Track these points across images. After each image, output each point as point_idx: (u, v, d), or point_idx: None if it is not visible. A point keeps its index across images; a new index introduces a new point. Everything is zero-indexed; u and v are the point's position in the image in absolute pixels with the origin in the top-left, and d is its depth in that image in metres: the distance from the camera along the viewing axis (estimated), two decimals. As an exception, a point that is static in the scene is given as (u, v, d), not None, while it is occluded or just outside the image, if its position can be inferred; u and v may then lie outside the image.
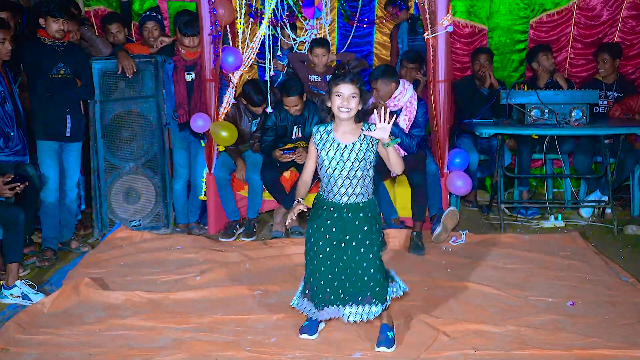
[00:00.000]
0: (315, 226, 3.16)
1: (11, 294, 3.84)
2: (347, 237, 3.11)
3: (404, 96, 4.71)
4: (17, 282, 3.86)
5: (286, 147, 5.12)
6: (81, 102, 4.81)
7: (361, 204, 3.14)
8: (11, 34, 4.22)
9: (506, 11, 6.34)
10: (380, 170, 4.71)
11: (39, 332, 3.38)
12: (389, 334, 3.19)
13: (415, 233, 4.68)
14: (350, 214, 3.12)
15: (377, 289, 3.10)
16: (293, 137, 5.18)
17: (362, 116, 3.10)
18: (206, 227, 5.26)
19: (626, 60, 6.16)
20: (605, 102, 5.79)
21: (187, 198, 5.31)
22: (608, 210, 5.44)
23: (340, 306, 3.13)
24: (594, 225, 5.35)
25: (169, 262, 4.48)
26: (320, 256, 3.13)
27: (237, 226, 5.15)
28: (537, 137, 5.36)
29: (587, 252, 4.56)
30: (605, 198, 5.40)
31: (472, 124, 5.25)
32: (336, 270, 3.12)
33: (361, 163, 3.09)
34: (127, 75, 4.98)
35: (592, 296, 3.77)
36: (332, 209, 3.14)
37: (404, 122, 4.71)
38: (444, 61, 4.83)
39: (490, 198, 5.69)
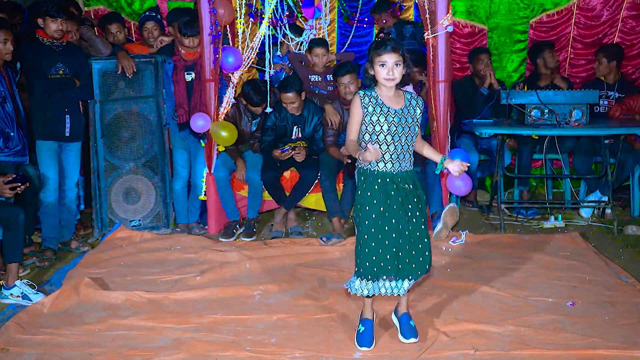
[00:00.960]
0: (370, 201, 3.06)
1: (11, 294, 3.84)
2: (405, 204, 3.06)
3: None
4: (17, 282, 3.86)
5: (285, 146, 5.12)
6: (80, 102, 4.80)
7: (409, 172, 3.12)
8: (13, 35, 4.22)
9: (506, 11, 6.34)
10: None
11: (39, 332, 3.38)
12: (412, 322, 3.22)
13: (415, 233, 4.67)
14: (403, 182, 3.08)
15: (429, 259, 3.16)
16: (293, 137, 5.19)
17: (405, 81, 3.07)
18: (206, 227, 5.26)
19: (626, 60, 6.16)
20: (606, 102, 5.79)
21: (187, 198, 5.31)
22: (608, 211, 5.44)
23: (400, 280, 3.09)
24: (594, 225, 5.35)
25: (169, 262, 4.48)
26: (386, 228, 3.04)
27: (237, 226, 5.15)
28: (537, 137, 5.36)
29: (587, 253, 4.56)
30: (605, 198, 5.40)
31: (472, 124, 5.25)
32: (400, 241, 3.06)
33: (411, 128, 3.07)
34: (127, 75, 4.98)
35: (592, 296, 3.77)
36: (387, 179, 3.07)
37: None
38: (444, 61, 4.83)
39: (490, 198, 5.69)
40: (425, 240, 3.14)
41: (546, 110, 5.10)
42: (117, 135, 5.10)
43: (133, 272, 4.30)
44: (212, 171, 5.13)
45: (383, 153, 3.04)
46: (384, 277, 3.07)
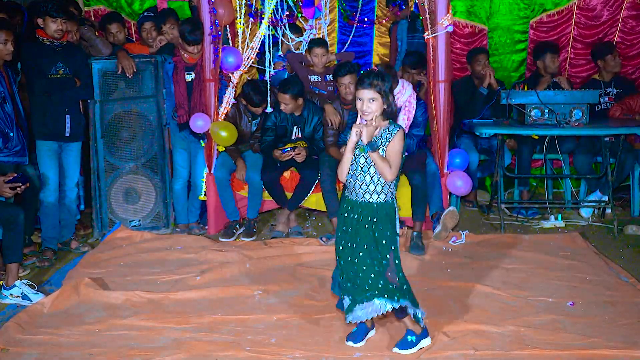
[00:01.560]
0: (339, 224, 3.20)
1: (11, 294, 3.84)
2: (359, 238, 3.10)
3: (403, 95, 4.72)
4: (17, 282, 3.86)
5: (285, 147, 5.12)
6: (80, 102, 4.80)
7: (375, 205, 3.12)
8: (13, 35, 4.22)
9: (506, 11, 6.34)
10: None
11: (39, 332, 3.38)
12: (411, 338, 3.16)
13: (415, 233, 4.68)
14: (363, 213, 3.11)
15: (399, 293, 3.09)
16: (293, 137, 5.18)
17: (390, 114, 3.11)
18: (206, 227, 5.26)
19: (626, 60, 6.16)
20: (606, 99, 5.79)
21: (187, 198, 5.31)
22: (608, 211, 5.44)
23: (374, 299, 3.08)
24: (594, 225, 5.35)
25: (169, 262, 4.48)
26: (344, 252, 3.14)
27: (237, 226, 5.15)
28: (537, 137, 5.36)
29: (587, 252, 4.56)
30: (606, 198, 5.40)
31: (472, 124, 5.25)
32: (349, 267, 3.11)
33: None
34: (127, 75, 4.98)
35: (592, 296, 3.77)
36: (350, 206, 3.15)
37: (403, 121, 4.71)
38: (444, 61, 4.82)
39: (490, 198, 5.69)
40: (383, 280, 3.08)
41: (546, 110, 5.10)
42: (117, 135, 5.10)
43: (133, 272, 4.30)
44: (212, 171, 5.13)
45: (353, 183, 3.11)
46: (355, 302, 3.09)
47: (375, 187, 3.11)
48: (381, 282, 3.07)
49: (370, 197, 3.12)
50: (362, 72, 3.24)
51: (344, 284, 3.15)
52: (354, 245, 3.10)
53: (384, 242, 3.10)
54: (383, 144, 3.08)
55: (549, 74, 5.70)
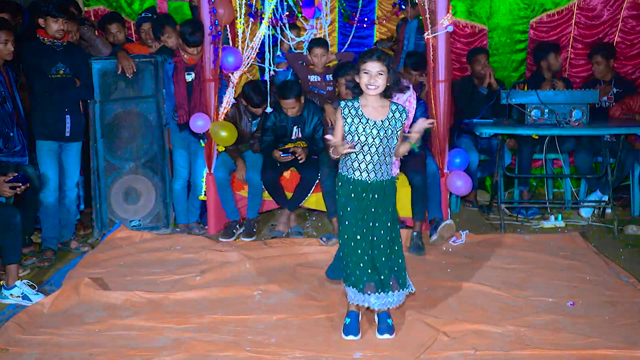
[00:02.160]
0: (343, 206, 3.19)
1: (11, 294, 3.84)
2: (377, 215, 3.16)
3: (403, 95, 4.71)
4: (17, 283, 3.86)
5: (285, 147, 5.12)
6: (80, 102, 4.80)
7: (385, 182, 3.19)
8: (14, 35, 4.22)
9: (506, 11, 6.34)
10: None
11: (39, 332, 3.38)
12: (389, 321, 3.25)
13: (415, 233, 4.68)
14: (377, 192, 3.17)
15: (403, 274, 3.22)
16: (293, 137, 5.18)
17: (390, 93, 3.15)
18: (206, 227, 5.26)
19: (626, 60, 6.17)
20: (605, 98, 5.80)
21: (187, 198, 5.31)
22: (608, 210, 5.44)
23: (387, 291, 3.17)
24: (594, 225, 5.35)
25: (169, 262, 4.48)
26: (358, 237, 3.16)
27: (237, 226, 5.15)
28: (537, 137, 5.36)
29: (587, 252, 4.56)
30: (606, 198, 5.40)
31: (472, 124, 5.25)
32: (375, 251, 3.17)
33: (390, 140, 3.13)
34: (127, 75, 4.98)
35: (592, 296, 3.77)
36: (359, 188, 3.16)
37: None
38: (444, 61, 4.82)
39: (490, 198, 5.69)
40: (399, 254, 3.23)
41: (546, 110, 5.10)
42: (117, 135, 5.10)
43: (133, 272, 4.30)
44: (212, 171, 5.13)
45: (359, 163, 3.14)
46: (369, 290, 3.16)
47: (387, 166, 3.20)
48: (402, 272, 3.20)
49: (384, 177, 3.19)
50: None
51: (367, 272, 3.15)
52: (376, 225, 3.16)
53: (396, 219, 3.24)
54: (396, 128, 3.14)
55: (552, 72, 5.70)
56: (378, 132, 3.11)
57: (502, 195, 5.52)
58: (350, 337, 3.23)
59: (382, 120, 3.12)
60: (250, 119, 5.24)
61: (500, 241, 4.84)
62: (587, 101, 5.12)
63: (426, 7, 4.76)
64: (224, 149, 5.15)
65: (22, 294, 3.83)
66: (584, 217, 5.52)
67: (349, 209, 3.17)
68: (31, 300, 3.78)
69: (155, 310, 3.66)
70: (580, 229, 5.23)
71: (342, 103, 3.16)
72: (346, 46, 6.58)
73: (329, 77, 5.52)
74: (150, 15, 5.57)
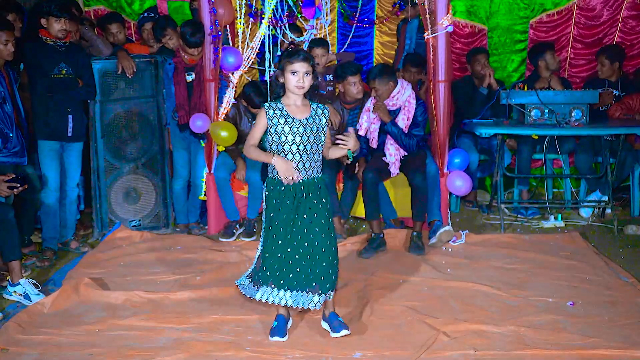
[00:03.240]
0: (274, 207, 3.19)
1: (14, 291, 3.87)
2: (305, 215, 3.16)
3: (403, 95, 4.72)
4: (22, 281, 3.87)
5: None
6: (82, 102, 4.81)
7: (315, 180, 3.21)
8: (14, 36, 4.22)
9: (506, 11, 6.34)
10: (381, 170, 4.75)
11: (39, 332, 3.38)
12: (339, 318, 3.27)
13: (415, 233, 4.68)
14: (307, 191, 3.17)
15: (332, 276, 3.18)
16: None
17: (312, 92, 3.21)
18: (206, 227, 5.26)
19: (626, 60, 6.16)
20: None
21: (187, 198, 5.31)
22: (608, 210, 5.44)
23: (300, 291, 3.16)
24: (594, 225, 5.35)
25: (169, 262, 4.48)
26: (279, 238, 3.16)
27: (237, 226, 5.15)
28: (537, 137, 5.36)
29: (587, 252, 4.56)
30: (605, 198, 5.40)
31: (472, 124, 5.25)
32: (295, 252, 3.15)
33: (316, 137, 3.17)
34: (127, 75, 4.98)
35: (592, 296, 3.77)
36: (290, 188, 3.17)
37: (403, 121, 4.72)
38: (444, 61, 4.82)
39: (490, 198, 5.69)
40: (325, 251, 3.17)
41: (546, 110, 5.10)
42: (117, 135, 5.10)
43: (133, 272, 4.29)
44: (212, 171, 5.13)
45: (296, 164, 3.15)
46: (286, 287, 3.15)
47: (315, 163, 3.21)
48: (328, 275, 3.16)
49: (314, 174, 3.20)
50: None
51: (289, 274, 3.15)
52: (305, 224, 3.15)
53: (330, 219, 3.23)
54: (320, 125, 3.18)
55: (551, 71, 5.70)
56: (305, 130, 3.13)
57: (502, 195, 5.52)
58: (276, 339, 3.23)
59: (306, 119, 3.16)
60: (250, 120, 5.24)
61: (500, 241, 4.84)
62: (587, 101, 5.12)
63: (426, 7, 4.76)
64: (224, 149, 5.15)
65: (24, 292, 3.84)
66: (584, 217, 5.52)
67: (280, 209, 3.16)
68: (31, 300, 3.78)
69: (155, 310, 3.66)
70: (580, 229, 5.23)
71: (266, 105, 3.19)
72: (346, 46, 6.58)
73: (329, 77, 5.52)
74: (152, 15, 5.57)
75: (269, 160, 3.17)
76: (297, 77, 3.10)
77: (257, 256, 3.28)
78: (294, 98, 3.18)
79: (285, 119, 3.14)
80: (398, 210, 5.06)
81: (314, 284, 3.15)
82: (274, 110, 3.16)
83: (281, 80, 3.16)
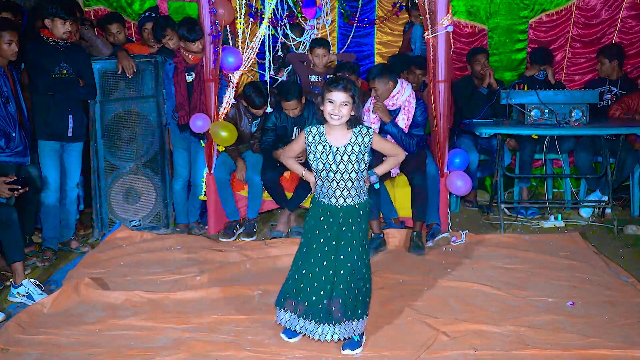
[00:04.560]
0: (311, 230, 3.18)
1: (18, 292, 3.87)
2: (342, 240, 3.11)
3: (402, 95, 4.72)
4: (24, 281, 3.88)
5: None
6: (83, 103, 4.80)
7: (356, 206, 3.16)
8: (18, 35, 4.22)
9: (506, 11, 6.34)
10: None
11: (39, 332, 3.38)
12: (355, 337, 3.15)
13: (415, 233, 4.68)
14: (345, 217, 3.13)
15: (360, 304, 3.12)
16: (293, 137, 5.18)
17: (355, 121, 3.13)
18: (206, 227, 5.26)
19: (625, 59, 6.16)
20: (608, 96, 5.80)
21: (187, 198, 5.31)
22: (608, 210, 5.44)
23: (320, 324, 3.09)
24: (594, 225, 5.35)
25: (169, 262, 4.48)
26: (312, 260, 3.12)
27: (237, 226, 5.15)
28: (537, 137, 5.36)
29: (587, 252, 4.56)
30: (605, 198, 5.40)
31: (472, 124, 5.25)
32: (325, 277, 3.09)
33: (354, 164, 3.11)
34: (127, 75, 4.98)
35: (592, 296, 3.77)
36: (328, 212, 3.15)
37: (403, 121, 4.72)
38: (444, 61, 4.82)
39: (490, 198, 5.69)
40: (353, 285, 3.09)
41: (546, 110, 5.10)
42: (117, 135, 5.10)
43: (133, 272, 4.30)
44: (212, 171, 5.13)
45: (327, 189, 3.15)
46: (304, 316, 3.11)
47: (356, 190, 3.16)
48: (359, 302, 3.11)
49: (352, 202, 3.16)
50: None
51: (308, 300, 3.10)
52: (340, 250, 3.11)
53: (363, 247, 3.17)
54: (361, 152, 3.11)
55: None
56: (342, 158, 3.09)
57: (502, 195, 5.52)
58: (283, 337, 3.25)
59: (344, 146, 3.10)
60: (250, 120, 5.24)
61: (500, 241, 4.84)
62: (587, 101, 5.12)
63: (426, 7, 4.76)
64: (224, 149, 5.15)
65: (27, 292, 3.84)
66: (584, 217, 5.52)
67: (317, 231, 3.14)
68: (35, 301, 3.78)
69: (155, 310, 3.66)
70: (580, 229, 5.23)
71: (307, 129, 3.18)
72: (346, 46, 6.58)
73: (330, 77, 5.51)
74: (153, 15, 5.56)
75: (300, 174, 3.34)
76: (333, 106, 3.06)
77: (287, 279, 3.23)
78: (332, 126, 3.13)
79: (323, 145, 3.12)
80: (398, 210, 5.06)
81: (339, 313, 3.06)
82: (313, 137, 3.15)
83: (321, 107, 3.13)
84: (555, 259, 4.42)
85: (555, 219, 5.36)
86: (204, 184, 5.17)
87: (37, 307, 3.66)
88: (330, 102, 3.07)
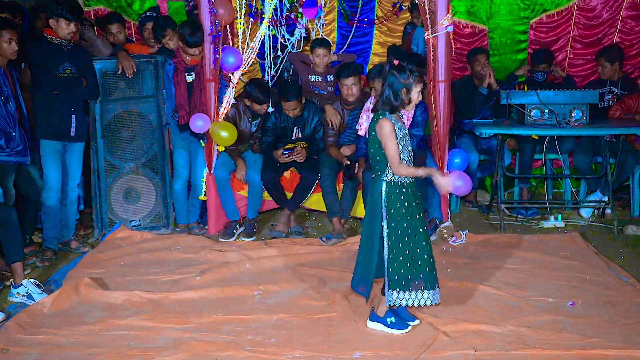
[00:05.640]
0: (407, 210, 3.26)
1: (18, 292, 3.87)
2: (421, 212, 3.34)
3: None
4: (24, 281, 3.88)
5: (286, 147, 5.12)
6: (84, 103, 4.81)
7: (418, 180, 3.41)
8: (18, 35, 4.22)
9: (506, 11, 6.34)
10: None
11: (39, 332, 3.39)
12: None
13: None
14: (416, 191, 3.35)
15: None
16: (293, 137, 5.18)
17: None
18: (206, 227, 5.26)
19: (626, 59, 6.17)
20: (609, 97, 5.80)
21: (187, 198, 5.31)
22: (608, 211, 5.43)
23: (435, 287, 3.31)
24: (594, 225, 5.35)
25: (169, 262, 4.48)
26: (416, 237, 3.26)
27: (237, 226, 5.15)
28: (537, 137, 5.36)
29: (587, 253, 4.56)
30: (605, 198, 5.40)
31: (472, 124, 5.25)
32: (425, 245, 3.30)
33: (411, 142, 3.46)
34: (127, 75, 4.98)
35: (592, 296, 3.77)
36: (410, 190, 3.30)
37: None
38: (444, 61, 4.82)
39: (490, 198, 5.69)
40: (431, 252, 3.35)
41: (546, 110, 5.10)
42: (117, 135, 5.10)
43: (133, 272, 4.30)
44: (212, 171, 5.13)
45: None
46: (417, 289, 3.24)
47: None
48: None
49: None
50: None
51: (421, 272, 3.25)
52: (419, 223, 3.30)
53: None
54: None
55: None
56: (409, 137, 3.36)
57: (502, 195, 5.52)
58: (410, 326, 3.35)
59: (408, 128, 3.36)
60: (250, 120, 5.24)
61: (500, 241, 4.84)
62: (587, 101, 5.12)
63: (426, 7, 4.76)
64: (224, 149, 5.15)
65: (27, 292, 3.84)
66: (584, 217, 5.52)
67: (403, 210, 3.25)
68: (35, 301, 3.78)
69: (155, 310, 3.66)
70: (580, 229, 5.22)
71: (391, 117, 3.24)
72: (345, 46, 6.58)
73: (330, 77, 5.52)
74: (154, 14, 5.56)
75: (423, 174, 3.31)
76: (417, 96, 3.27)
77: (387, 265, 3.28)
78: (401, 111, 3.32)
79: (402, 131, 3.28)
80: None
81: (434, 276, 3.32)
82: (398, 127, 3.26)
83: (404, 97, 3.23)
84: (555, 259, 4.42)
85: (555, 219, 5.35)
86: (204, 184, 5.17)
87: (37, 307, 3.66)
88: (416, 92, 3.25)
